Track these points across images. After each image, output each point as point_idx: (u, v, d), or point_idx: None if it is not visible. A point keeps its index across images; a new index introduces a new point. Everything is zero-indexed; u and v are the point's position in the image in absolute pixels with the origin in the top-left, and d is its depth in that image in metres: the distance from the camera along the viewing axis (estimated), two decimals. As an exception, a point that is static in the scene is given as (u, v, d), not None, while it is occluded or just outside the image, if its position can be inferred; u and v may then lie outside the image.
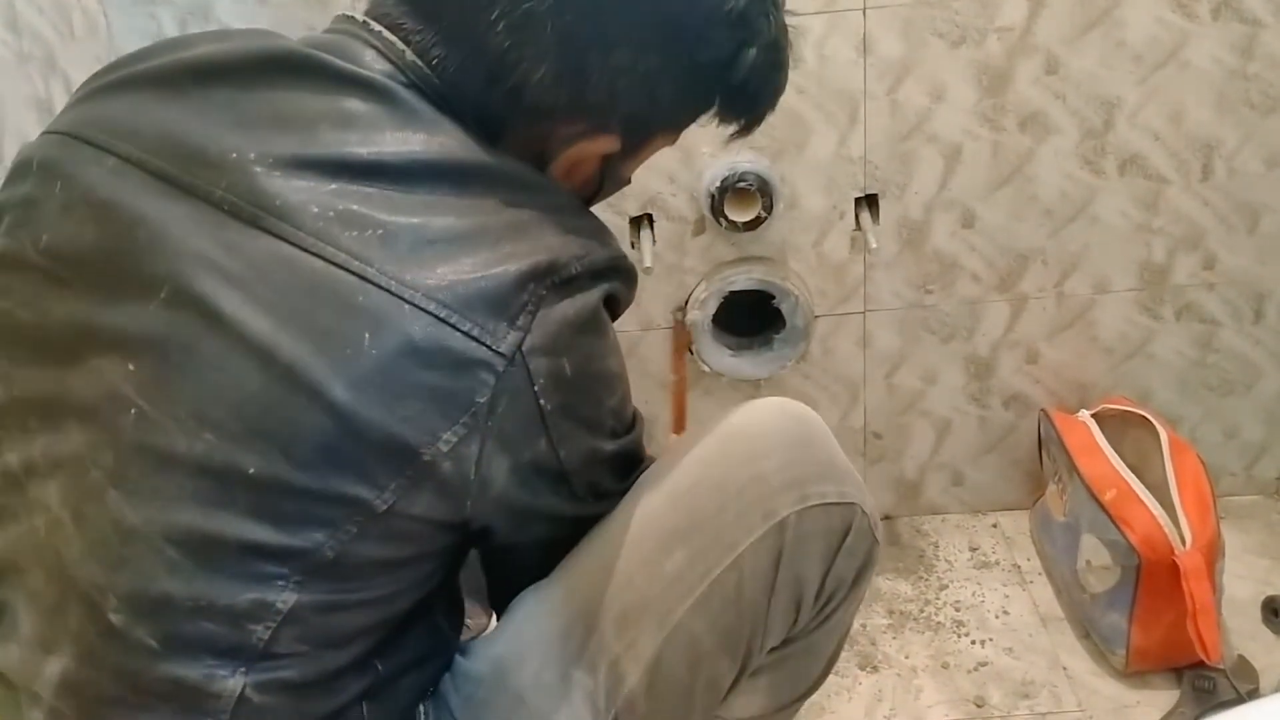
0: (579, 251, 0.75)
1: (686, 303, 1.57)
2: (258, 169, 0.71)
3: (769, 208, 1.47)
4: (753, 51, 0.83)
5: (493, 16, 0.76)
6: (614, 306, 0.81)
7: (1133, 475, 1.41)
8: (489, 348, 0.70)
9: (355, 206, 0.70)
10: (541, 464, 0.76)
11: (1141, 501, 1.37)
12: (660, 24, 0.79)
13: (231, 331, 0.68)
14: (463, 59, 0.78)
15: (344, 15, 0.82)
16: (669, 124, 0.88)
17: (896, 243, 1.54)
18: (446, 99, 0.78)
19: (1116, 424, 1.53)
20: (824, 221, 1.53)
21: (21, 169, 0.78)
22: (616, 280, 0.79)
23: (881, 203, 1.52)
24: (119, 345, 0.71)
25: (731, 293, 1.54)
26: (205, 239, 0.70)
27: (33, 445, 0.73)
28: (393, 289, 0.68)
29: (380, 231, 0.70)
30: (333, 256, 0.69)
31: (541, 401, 0.73)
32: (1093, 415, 1.55)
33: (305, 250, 0.69)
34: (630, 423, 0.86)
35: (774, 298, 1.54)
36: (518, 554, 0.86)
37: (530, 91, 0.78)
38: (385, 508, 0.70)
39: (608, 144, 0.84)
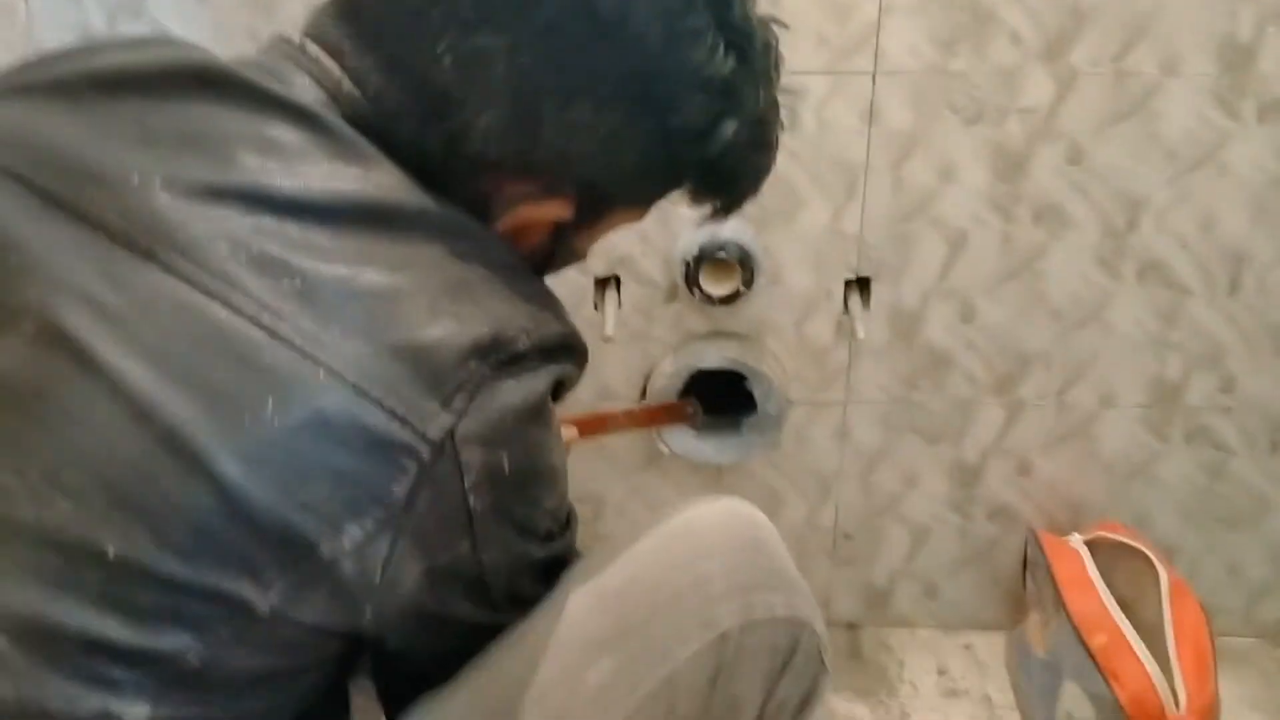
0: (529, 324, 0.66)
1: (650, 375, 1.42)
2: (162, 194, 0.61)
3: (748, 282, 1.33)
4: (733, 125, 0.73)
5: (440, 49, 0.67)
6: (559, 390, 0.70)
7: (1125, 620, 1.27)
8: (414, 430, 0.60)
9: (273, 249, 0.61)
10: (459, 569, 0.67)
11: (1134, 652, 1.23)
12: (629, 79, 0.69)
13: (104, 379, 0.58)
14: (401, 92, 0.68)
15: (279, 35, 0.72)
16: (631, 196, 0.78)
17: (887, 331, 1.40)
18: (384, 136, 0.67)
19: (1111, 553, 1.39)
20: (809, 301, 1.39)
21: None
22: (568, 361, 0.70)
23: (874, 287, 1.38)
24: None
25: (700, 370, 1.39)
26: (87, 269, 0.60)
27: None
28: (306, 350, 0.58)
29: (299, 281, 0.60)
30: (240, 305, 0.59)
31: (471, 500, 0.64)
32: (1086, 542, 1.41)
33: (207, 294, 0.59)
34: (565, 523, 0.77)
35: (746, 379, 1.39)
36: (414, 664, 0.74)
37: (473, 138, 0.69)
38: (268, 610, 0.59)
39: (558, 210, 0.74)
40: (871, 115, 1.30)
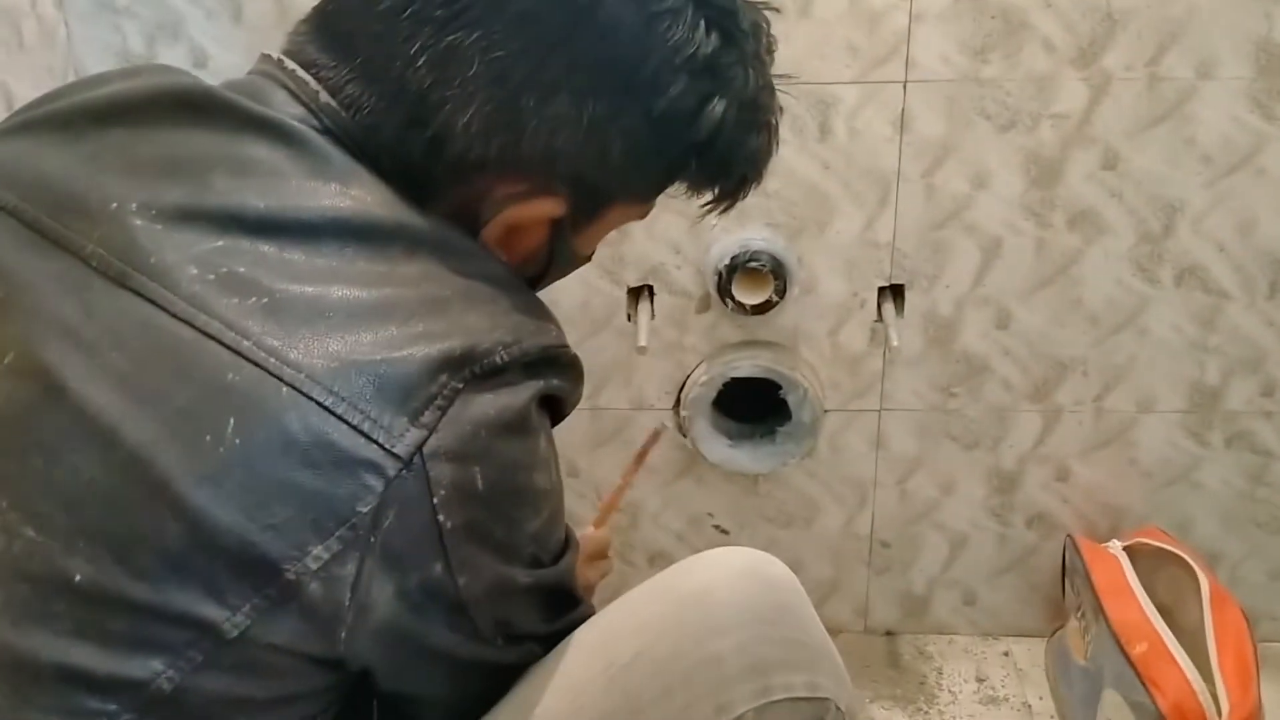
0: (507, 337, 0.63)
1: (684, 385, 1.42)
2: (137, 221, 0.62)
3: (781, 292, 1.32)
4: (721, 105, 0.70)
5: (413, 50, 0.66)
6: (556, 406, 0.69)
7: (1166, 627, 1.26)
8: (381, 446, 0.57)
9: (241, 269, 0.60)
10: (435, 590, 0.63)
11: (1175, 661, 1.22)
12: (608, 66, 0.67)
13: (72, 408, 0.58)
14: (379, 99, 0.67)
15: (263, 54, 0.71)
16: (627, 189, 0.75)
17: (921, 339, 1.39)
18: (364, 147, 0.67)
19: (1151, 559, 1.38)
20: (842, 309, 1.38)
21: None
22: (554, 375, 0.67)
23: (908, 294, 1.37)
24: None
25: (734, 378, 1.39)
26: (65, 298, 0.61)
27: None
28: (270, 367, 0.57)
29: (265, 300, 0.59)
30: (204, 325, 0.58)
31: (440, 517, 0.60)
32: (1125, 548, 1.39)
33: (174, 316, 0.59)
34: (557, 551, 0.72)
35: (780, 388, 1.39)
36: (414, 710, 0.72)
37: (455, 140, 0.67)
38: (236, 633, 0.57)
39: (551, 207, 0.71)
40: (903, 123, 1.29)
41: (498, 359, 0.62)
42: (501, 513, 0.64)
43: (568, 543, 0.74)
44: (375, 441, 0.57)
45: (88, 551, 0.57)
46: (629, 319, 1.39)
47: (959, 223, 1.33)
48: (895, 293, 1.38)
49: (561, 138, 0.68)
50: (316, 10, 0.72)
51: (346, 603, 0.59)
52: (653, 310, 1.38)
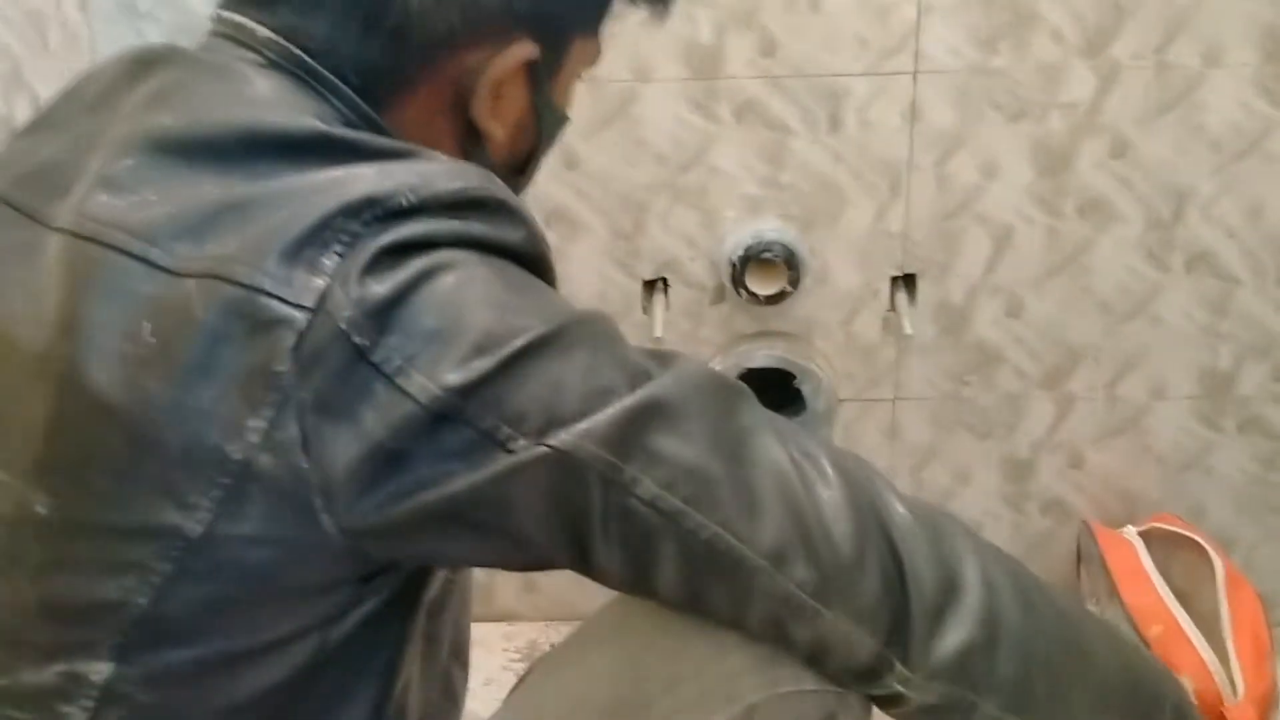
0: (414, 180, 0.59)
1: (700, 376, 1.43)
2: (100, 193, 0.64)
3: (795, 282, 1.34)
4: None
5: None
6: (508, 254, 0.62)
7: (1181, 609, 1.27)
8: (285, 301, 0.57)
9: (153, 183, 0.61)
10: (394, 411, 0.57)
11: (1190, 643, 1.23)
12: None
13: (24, 351, 0.62)
14: (327, 19, 0.66)
15: (209, 15, 0.71)
16: (578, 12, 0.74)
17: (934, 328, 1.41)
18: (326, 72, 0.66)
19: (1165, 544, 1.38)
20: (855, 299, 1.40)
21: None
22: (476, 218, 0.61)
23: (920, 283, 1.39)
24: None
25: (749, 369, 1.41)
26: (27, 260, 0.64)
27: None
28: (178, 270, 0.58)
29: (173, 209, 0.60)
30: (111, 239, 0.60)
31: (356, 339, 0.57)
32: (1140, 533, 1.40)
33: (87, 239, 0.61)
34: (542, 340, 0.60)
35: (795, 377, 1.40)
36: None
37: (416, 25, 0.66)
38: (201, 530, 0.57)
39: (524, 50, 0.70)
40: (913, 114, 1.31)
41: (402, 201, 0.58)
42: (423, 308, 0.58)
43: (564, 330, 0.61)
44: (280, 298, 0.57)
45: (49, 483, 0.59)
46: (644, 312, 1.41)
47: (970, 212, 1.35)
48: (908, 282, 1.39)
49: None
50: None
51: (304, 465, 0.57)
52: (668, 302, 1.40)
